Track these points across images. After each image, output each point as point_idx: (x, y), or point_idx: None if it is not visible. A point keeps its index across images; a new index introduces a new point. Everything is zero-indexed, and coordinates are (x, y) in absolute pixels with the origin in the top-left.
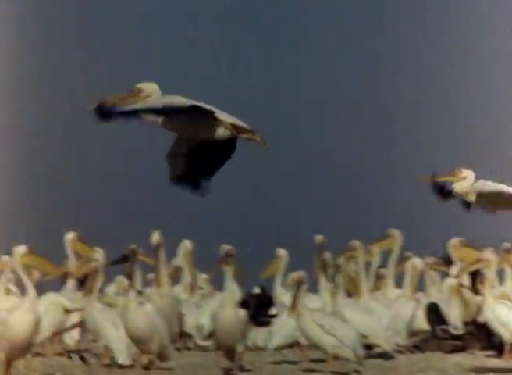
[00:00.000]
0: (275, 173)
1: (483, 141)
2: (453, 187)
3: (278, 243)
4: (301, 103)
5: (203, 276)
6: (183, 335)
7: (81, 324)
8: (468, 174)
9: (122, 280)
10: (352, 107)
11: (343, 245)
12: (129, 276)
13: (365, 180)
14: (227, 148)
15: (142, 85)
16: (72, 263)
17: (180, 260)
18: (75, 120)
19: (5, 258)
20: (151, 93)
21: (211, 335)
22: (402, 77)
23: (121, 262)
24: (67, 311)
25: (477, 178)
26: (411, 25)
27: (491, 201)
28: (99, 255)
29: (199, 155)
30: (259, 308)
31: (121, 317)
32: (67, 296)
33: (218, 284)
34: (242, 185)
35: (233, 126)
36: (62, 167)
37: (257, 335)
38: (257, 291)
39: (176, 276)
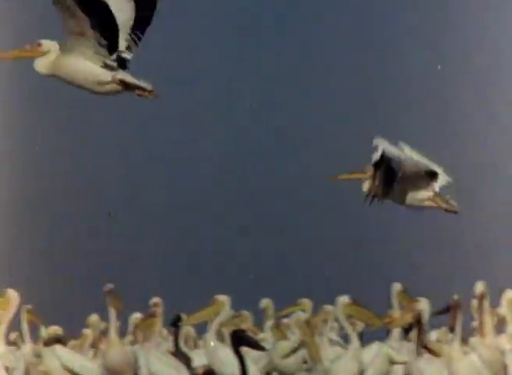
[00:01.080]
0: None
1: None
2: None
3: None
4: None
5: None
6: None
7: None
8: None
9: (445, 330)
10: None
11: None
12: (451, 328)
13: None
14: None
15: (42, 41)
16: (396, 313)
17: (504, 310)
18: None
19: (329, 307)
20: (50, 48)
21: None
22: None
23: (444, 313)
24: (393, 362)
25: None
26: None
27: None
28: (423, 305)
29: None
30: None
31: (446, 368)
32: (392, 346)
33: None
34: None
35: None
36: None
37: None
38: None
39: (500, 326)
